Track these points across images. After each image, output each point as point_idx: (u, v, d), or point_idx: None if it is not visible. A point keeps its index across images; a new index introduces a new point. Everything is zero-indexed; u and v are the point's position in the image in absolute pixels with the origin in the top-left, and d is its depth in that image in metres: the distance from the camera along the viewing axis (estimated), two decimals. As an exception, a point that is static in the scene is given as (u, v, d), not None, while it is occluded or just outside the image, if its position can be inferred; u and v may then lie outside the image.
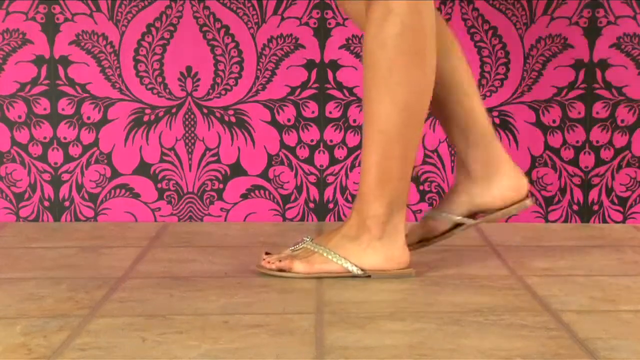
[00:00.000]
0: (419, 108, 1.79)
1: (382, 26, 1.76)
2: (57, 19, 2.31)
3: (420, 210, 2.36)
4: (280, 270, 1.83)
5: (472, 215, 1.91)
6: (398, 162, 1.80)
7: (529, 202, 1.91)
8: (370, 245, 1.81)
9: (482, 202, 1.90)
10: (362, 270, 1.81)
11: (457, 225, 1.91)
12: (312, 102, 2.34)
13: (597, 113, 2.34)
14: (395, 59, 1.76)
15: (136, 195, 2.36)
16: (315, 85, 2.33)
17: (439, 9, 2.31)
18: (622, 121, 2.34)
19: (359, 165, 2.34)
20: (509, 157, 1.92)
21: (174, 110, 2.34)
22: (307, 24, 2.32)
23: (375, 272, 1.82)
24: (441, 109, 1.90)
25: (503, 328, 1.52)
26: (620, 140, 2.34)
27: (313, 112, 2.34)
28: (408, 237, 1.89)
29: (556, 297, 1.70)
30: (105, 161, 2.35)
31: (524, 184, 1.91)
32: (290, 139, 2.35)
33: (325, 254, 1.81)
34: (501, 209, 1.90)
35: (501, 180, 1.90)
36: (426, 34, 1.78)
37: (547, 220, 2.36)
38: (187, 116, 2.34)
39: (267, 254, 1.86)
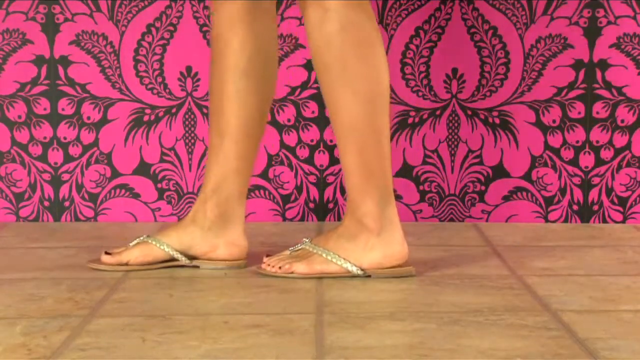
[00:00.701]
0: (380, 96, 1.80)
1: (322, 26, 1.76)
2: (57, 19, 2.31)
3: (421, 210, 2.36)
4: (286, 273, 1.83)
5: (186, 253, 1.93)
6: (375, 154, 1.80)
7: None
8: (369, 243, 1.81)
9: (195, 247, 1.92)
10: (362, 270, 1.81)
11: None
12: (312, 102, 2.34)
13: (597, 113, 2.34)
14: (344, 54, 1.77)
15: (136, 195, 2.36)
16: (316, 85, 2.33)
17: (439, 8, 2.31)
18: (622, 121, 2.34)
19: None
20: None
21: (174, 110, 2.34)
22: (307, 24, 2.32)
23: (375, 271, 1.82)
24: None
25: (503, 328, 1.52)
26: (620, 140, 2.34)
27: (313, 112, 2.34)
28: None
29: (556, 297, 1.70)
30: (105, 161, 2.35)
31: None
32: (290, 139, 2.35)
33: (324, 255, 1.81)
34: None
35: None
36: (367, 24, 1.78)
37: (547, 220, 2.36)
38: (187, 116, 2.34)
39: (267, 256, 1.86)
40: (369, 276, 1.82)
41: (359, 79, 1.77)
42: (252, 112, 1.87)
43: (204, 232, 1.89)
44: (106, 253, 1.89)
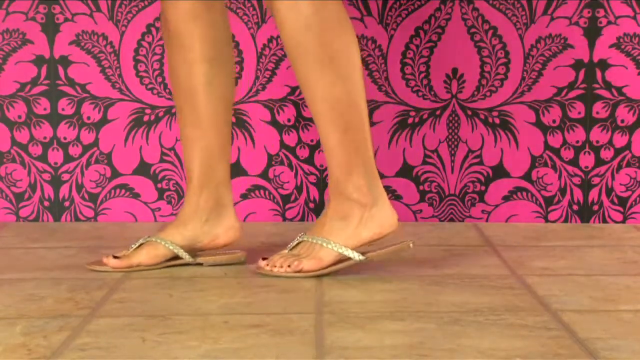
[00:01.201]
0: (357, 70, 1.82)
1: (298, 9, 1.78)
2: (57, 19, 2.31)
3: (421, 210, 2.36)
4: (295, 272, 1.83)
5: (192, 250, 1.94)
6: (358, 129, 1.83)
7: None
8: (363, 218, 1.83)
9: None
10: (362, 255, 1.82)
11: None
12: (312, 102, 2.33)
13: (597, 113, 2.34)
14: (322, 34, 1.79)
15: (136, 195, 2.36)
16: (315, 85, 2.33)
17: (439, 8, 2.31)
18: (622, 121, 2.34)
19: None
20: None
21: (173, 110, 2.34)
22: (307, 24, 2.32)
23: (376, 255, 1.82)
24: None
25: (503, 328, 1.52)
26: (620, 140, 2.34)
27: (313, 112, 2.34)
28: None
29: (556, 297, 1.70)
30: (105, 161, 2.35)
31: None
32: (290, 139, 2.35)
33: (324, 244, 1.82)
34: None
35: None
36: (335, 3, 1.80)
37: (547, 220, 2.36)
38: (187, 116, 2.33)
39: (264, 259, 1.87)
40: (366, 258, 1.82)
41: (338, 57, 1.80)
42: (225, 97, 1.91)
43: (202, 224, 1.92)
44: (114, 257, 1.89)
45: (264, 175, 2.36)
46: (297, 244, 1.86)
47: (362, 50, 2.31)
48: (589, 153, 2.35)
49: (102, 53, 2.32)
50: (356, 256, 1.82)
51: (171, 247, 1.89)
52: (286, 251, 1.87)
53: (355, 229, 1.83)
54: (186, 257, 1.91)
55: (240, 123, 2.34)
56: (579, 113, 2.33)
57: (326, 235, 1.83)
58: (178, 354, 1.40)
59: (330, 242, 1.82)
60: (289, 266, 1.83)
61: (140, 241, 1.91)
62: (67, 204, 2.35)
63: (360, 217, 1.83)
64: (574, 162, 2.35)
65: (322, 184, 2.36)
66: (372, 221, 1.83)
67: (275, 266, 1.84)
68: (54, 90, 2.33)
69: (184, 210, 1.93)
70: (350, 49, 1.81)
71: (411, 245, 1.86)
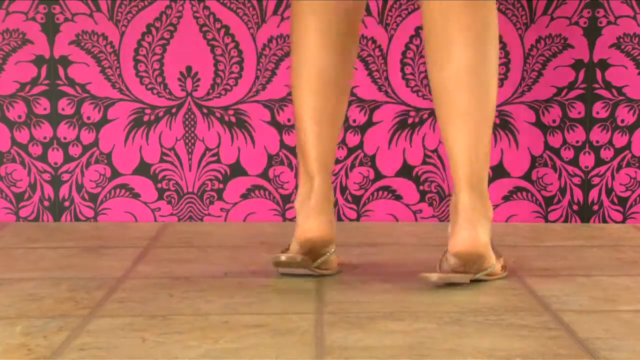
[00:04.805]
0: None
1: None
2: (57, 19, 2.31)
3: (421, 210, 2.36)
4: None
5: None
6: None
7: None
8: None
9: None
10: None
11: None
12: (312, 102, 2.34)
13: (597, 113, 2.34)
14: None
15: (136, 195, 2.36)
16: (315, 85, 2.33)
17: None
18: (622, 121, 2.34)
19: (359, 165, 2.35)
20: None
21: (174, 110, 2.34)
22: (307, 24, 2.32)
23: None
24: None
25: (503, 328, 1.52)
26: (620, 140, 2.34)
27: (313, 112, 2.34)
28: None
29: (556, 297, 1.70)
30: (105, 161, 2.35)
31: None
32: (290, 139, 2.35)
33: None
34: None
35: None
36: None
37: (547, 220, 2.36)
38: (187, 116, 2.34)
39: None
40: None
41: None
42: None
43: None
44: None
45: (264, 175, 2.36)
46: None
47: (362, 50, 2.31)
48: (589, 153, 2.35)
49: (102, 53, 2.32)
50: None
51: None
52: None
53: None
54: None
55: (240, 123, 2.34)
56: (579, 113, 2.34)
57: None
58: (178, 354, 1.40)
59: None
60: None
61: None
62: (67, 204, 2.35)
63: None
64: (574, 162, 2.35)
65: (322, 184, 2.36)
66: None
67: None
68: (54, 90, 2.33)
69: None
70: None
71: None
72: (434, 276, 1.72)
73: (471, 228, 1.75)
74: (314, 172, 1.83)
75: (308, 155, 1.83)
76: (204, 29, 2.31)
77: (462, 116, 1.76)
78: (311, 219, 1.82)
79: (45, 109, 2.33)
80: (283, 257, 1.78)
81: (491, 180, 2.35)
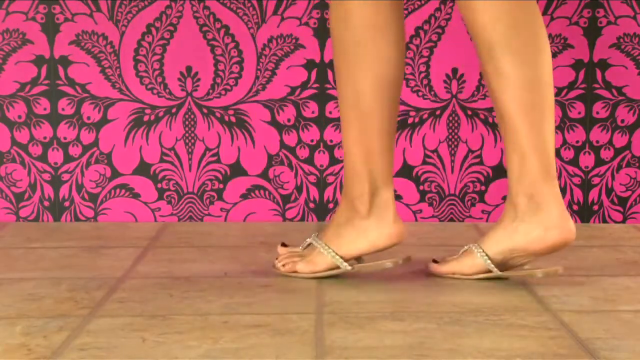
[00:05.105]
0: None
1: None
2: (57, 19, 2.31)
3: (421, 210, 2.36)
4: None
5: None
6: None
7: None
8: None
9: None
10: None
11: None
12: (312, 102, 2.34)
13: (597, 113, 2.34)
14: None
15: (136, 195, 2.36)
16: (316, 85, 2.33)
17: (439, 8, 2.31)
18: (622, 121, 2.34)
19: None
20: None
21: (174, 110, 2.34)
22: (307, 24, 2.32)
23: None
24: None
25: (503, 328, 1.52)
26: (620, 140, 2.34)
27: (313, 112, 2.34)
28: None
29: (556, 297, 1.70)
30: (105, 161, 2.35)
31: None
32: (290, 139, 2.35)
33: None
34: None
35: None
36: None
37: (547, 220, 2.36)
38: (187, 116, 2.34)
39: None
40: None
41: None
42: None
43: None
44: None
45: (264, 175, 2.36)
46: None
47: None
48: (589, 153, 2.35)
49: (102, 53, 2.32)
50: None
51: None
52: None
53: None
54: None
55: (240, 123, 2.34)
56: (579, 113, 2.33)
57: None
58: (178, 354, 1.40)
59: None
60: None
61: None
62: (67, 204, 2.35)
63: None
64: (574, 162, 2.35)
65: (322, 184, 2.36)
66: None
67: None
68: (54, 90, 2.33)
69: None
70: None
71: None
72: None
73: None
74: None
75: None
76: (204, 29, 2.31)
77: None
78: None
79: (45, 109, 2.33)
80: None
81: (491, 180, 2.35)
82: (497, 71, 1.73)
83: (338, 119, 2.34)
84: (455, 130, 2.34)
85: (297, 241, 2.05)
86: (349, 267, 1.81)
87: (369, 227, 1.81)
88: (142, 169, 2.35)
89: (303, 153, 2.35)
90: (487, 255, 1.77)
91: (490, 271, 1.79)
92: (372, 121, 1.79)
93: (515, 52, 1.72)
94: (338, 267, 1.82)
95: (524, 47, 1.72)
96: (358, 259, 1.84)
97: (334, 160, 2.35)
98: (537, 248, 1.75)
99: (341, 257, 1.81)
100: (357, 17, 1.77)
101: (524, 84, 1.73)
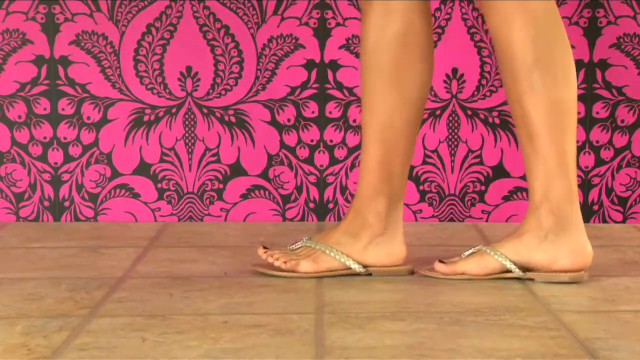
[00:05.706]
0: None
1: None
2: (57, 19, 2.31)
3: (421, 210, 2.36)
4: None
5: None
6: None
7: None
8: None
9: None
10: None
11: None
12: (312, 102, 2.34)
13: (597, 113, 2.34)
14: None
15: (136, 195, 2.36)
16: (315, 85, 2.33)
17: (439, 8, 2.31)
18: (622, 121, 2.34)
19: (359, 165, 2.34)
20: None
21: (174, 110, 2.34)
22: (307, 24, 2.32)
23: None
24: None
25: (503, 328, 1.52)
26: (620, 140, 2.34)
27: (313, 112, 2.34)
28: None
29: (556, 297, 1.70)
30: (105, 161, 2.35)
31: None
32: (290, 139, 2.35)
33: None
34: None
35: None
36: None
37: (547, 220, 2.36)
38: (187, 116, 2.34)
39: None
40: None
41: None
42: None
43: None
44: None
45: (264, 175, 2.36)
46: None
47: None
48: (589, 153, 2.35)
49: (102, 53, 2.32)
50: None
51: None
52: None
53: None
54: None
55: (240, 123, 2.34)
56: (579, 113, 2.33)
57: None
58: (178, 354, 1.40)
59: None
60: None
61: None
62: (67, 204, 2.35)
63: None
64: (574, 162, 2.35)
65: (322, 184, 2.36)
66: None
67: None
68: (54, 90, 2.33)
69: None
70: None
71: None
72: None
73: None
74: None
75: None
76: (204, 29, 2.31)
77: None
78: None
79: (45, 109, 2.33)
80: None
81: (491, 180, 2.35)
82: (532, 88, 1.74)
83: (338, 119, 2.34)
84: (455, 130, 2.34)
85: (297, 241, 2.05)
86: (362, 269, 1.82)
87: (380, 243, 1.83)
88: (142, 169, 2.35)
89: (303, 153, 2.35)
90: (507, 257, 1.78)
91: (505, 272, 1.79)
92: (398, 145, 1.82)
93: (550, 70, 1.74)
94: (339, 269, 1.82)
95: (559, 64, 1.75)
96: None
97: (334, 160, 2.35)
98: (556, 268, 1.78)
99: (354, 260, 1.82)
100: (399, 41, 1.78)
101: (556, 102, 1.75)
